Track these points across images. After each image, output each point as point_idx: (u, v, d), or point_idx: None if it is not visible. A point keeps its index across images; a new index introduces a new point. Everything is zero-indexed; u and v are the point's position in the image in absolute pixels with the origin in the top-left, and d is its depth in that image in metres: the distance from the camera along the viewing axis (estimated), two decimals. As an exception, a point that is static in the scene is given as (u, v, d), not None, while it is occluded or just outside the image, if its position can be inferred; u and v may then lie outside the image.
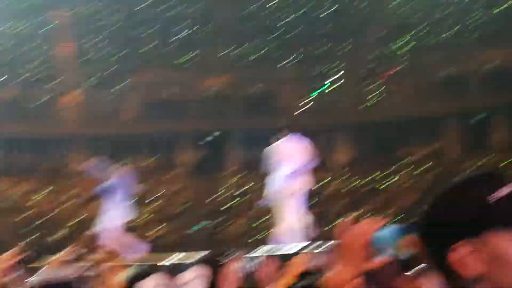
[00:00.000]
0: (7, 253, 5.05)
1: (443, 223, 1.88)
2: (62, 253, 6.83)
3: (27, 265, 5.31)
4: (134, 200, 15.68)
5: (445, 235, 1.87)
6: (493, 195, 1.84)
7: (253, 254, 10.15)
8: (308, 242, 11.58)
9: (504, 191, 1.84)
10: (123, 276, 7.01)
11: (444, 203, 1.91)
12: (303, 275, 5.04)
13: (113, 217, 14.92)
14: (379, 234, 2.84)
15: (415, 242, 1.98)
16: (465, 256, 1.84)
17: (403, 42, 38.40)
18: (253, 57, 39.80)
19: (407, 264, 3.01)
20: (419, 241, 1.94)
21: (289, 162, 13.17)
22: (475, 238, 1.84)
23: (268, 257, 4.89)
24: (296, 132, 13.79)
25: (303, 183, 13.37)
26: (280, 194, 13.14)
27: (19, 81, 38.04)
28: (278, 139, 13.74)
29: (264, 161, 13.63)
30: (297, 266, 5.57)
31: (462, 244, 1.86)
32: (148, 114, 37.39)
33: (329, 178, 34.43)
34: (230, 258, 4.98)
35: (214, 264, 5.08)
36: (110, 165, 15.76)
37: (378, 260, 2.81)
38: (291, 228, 13.03)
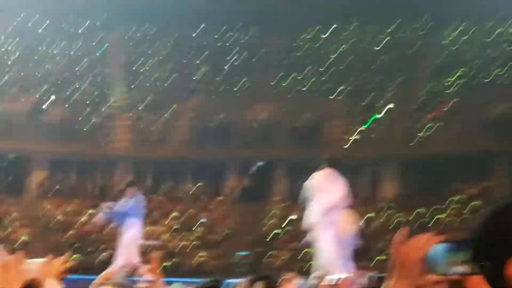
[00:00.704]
0: (59, 258, 4.95)
1: (498, 239, 1.90)
2: (108, 271, 6.71)
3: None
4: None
5: (501, 251, 1.89)
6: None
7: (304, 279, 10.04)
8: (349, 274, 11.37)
9: None
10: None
11: (497, 219, 1.94)
12: None
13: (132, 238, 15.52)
14: (432, 250, 2.82)
15: (468, 260, 1.99)
16: None
17: (455, 77, 38.02)
18: (303, 87, 39.71)
19: (458, 282, 2.90)
20: (471, 257, 1.98)
21: (323, 195, 13.31)
22: None
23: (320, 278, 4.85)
24: (334, 166, 13.84)
25: (340, 217, 13.40)
26: (315, 226, 13.32)
27: (69, 102, 38.32)
28: (318, 171, 13.88)
29: (303, 192, 13.78)
30: None
31: None
32: (196, 140, 37.39)
33: (375, 213, 34.04)
34: (284, 278, 4.91)
35: (270, 281, 5.09)
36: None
37: (432, 277, 2.74)
38: (330, 260, 13.02)
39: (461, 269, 2.70)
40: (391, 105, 37.92)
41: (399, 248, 2.84)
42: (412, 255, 2.81)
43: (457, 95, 37.41)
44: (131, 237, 15.55)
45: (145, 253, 15.90)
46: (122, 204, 15.76)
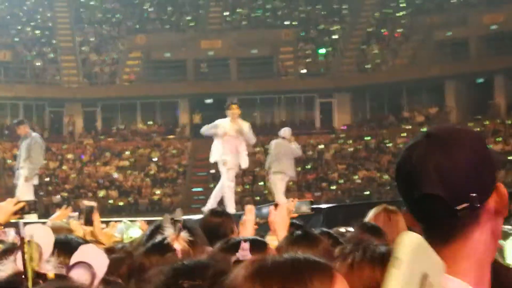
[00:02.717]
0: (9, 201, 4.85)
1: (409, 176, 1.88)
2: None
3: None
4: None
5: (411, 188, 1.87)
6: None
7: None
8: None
9: None
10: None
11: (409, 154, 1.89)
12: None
13: None
14: None
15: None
16: None
17: (405, 2, 38.02)
18: (251, 20, 39.40)
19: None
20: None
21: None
22: None
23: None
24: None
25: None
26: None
27: (14, 45, 37.59)
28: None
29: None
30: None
31: None
32: (146, 78, 37.04)
33: (327, 143, 34.17)
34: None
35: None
36: None
37: None
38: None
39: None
40: (337, 35, 37.92)
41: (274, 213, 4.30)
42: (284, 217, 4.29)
43: (406, 21, 37.43)
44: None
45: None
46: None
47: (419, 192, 1.78)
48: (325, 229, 4.44)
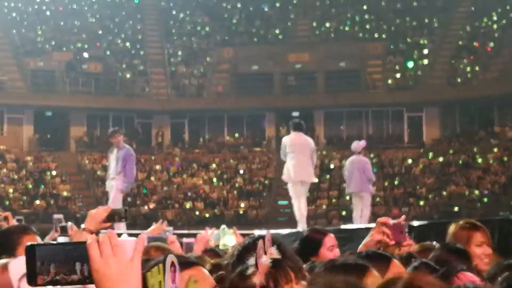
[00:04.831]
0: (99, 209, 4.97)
1: None
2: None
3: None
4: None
5: None
6: None
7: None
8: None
9: None
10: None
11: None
12: None
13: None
14: None
15: None
16: None
17: (496, 17, 37.32)
18: (339, 33, 39.24)
19: None
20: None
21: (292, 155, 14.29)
22: None
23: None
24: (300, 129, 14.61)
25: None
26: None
27: (104, 56, 38.25)
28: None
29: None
30: None
31: None
32: (233, 90, 37.25)
33: (416, 157, 33.72)
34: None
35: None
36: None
37: None
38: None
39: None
40: (427, 50, 37.42)
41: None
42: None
43: (498, 34, 36.75)
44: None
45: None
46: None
47: None
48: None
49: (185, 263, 2.52)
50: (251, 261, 2.85)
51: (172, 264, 1.92)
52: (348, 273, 2.71)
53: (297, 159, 13.97)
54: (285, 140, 14.28)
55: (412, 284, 1.38)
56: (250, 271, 2.84)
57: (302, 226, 13.50)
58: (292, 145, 14.09)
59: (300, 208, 14.09)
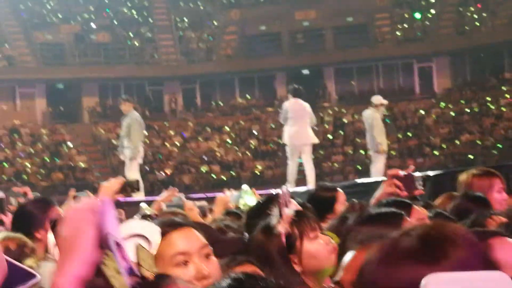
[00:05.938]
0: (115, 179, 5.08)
1: None
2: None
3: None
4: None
5: None
6: None
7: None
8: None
9: None
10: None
11: None
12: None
13: None
14: None
15: None
16: None
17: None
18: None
19: None
20: None
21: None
22: None
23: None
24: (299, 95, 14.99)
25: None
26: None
27: (111, 26, 38.23)
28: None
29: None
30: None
31: None
32: (242, 52, 37.20)
33: (431, 105, 33.70)
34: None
35: None
36: None
37: None
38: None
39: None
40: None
41: None
42: None
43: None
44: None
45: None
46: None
47: None
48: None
49: (173, 225, 2.49)
50: (275, 212, 3.02)
51: (114, 242, 1.70)
52: (386, 223, 2.78)
53: (297, 125, 14.48)
54: (285, 105, 14.74)
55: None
56: (274, 221, 3.00)
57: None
58: (291, 111, 14.50)
59: (306, 169, 14.77)
